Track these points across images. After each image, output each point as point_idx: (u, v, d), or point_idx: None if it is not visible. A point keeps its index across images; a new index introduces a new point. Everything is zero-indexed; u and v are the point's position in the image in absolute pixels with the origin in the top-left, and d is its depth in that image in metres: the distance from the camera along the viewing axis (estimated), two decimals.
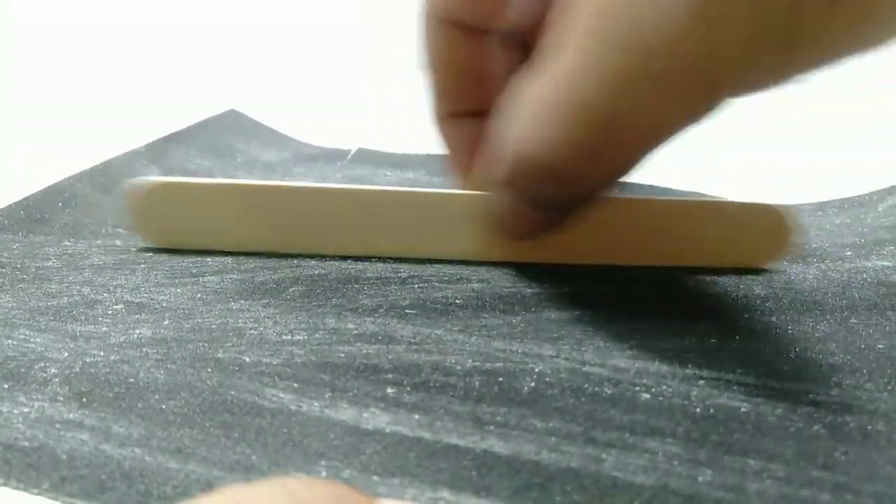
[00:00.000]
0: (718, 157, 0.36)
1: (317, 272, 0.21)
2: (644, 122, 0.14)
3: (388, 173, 0.31)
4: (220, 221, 0.21)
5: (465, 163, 0.21)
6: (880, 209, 0.28)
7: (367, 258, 0.21)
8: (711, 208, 0.21)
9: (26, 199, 0.25)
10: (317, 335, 0.18)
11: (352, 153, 0.34)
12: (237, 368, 0.16)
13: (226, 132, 0.35)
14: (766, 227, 0.21)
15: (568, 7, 0.14)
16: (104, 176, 0.27)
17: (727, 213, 0.21)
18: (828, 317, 0.19)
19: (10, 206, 0.24)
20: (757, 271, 0.22)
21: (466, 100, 0.20)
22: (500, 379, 0.16)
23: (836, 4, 0.13)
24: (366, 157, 0.33)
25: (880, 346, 0.17)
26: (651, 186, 0.30)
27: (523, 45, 0.19)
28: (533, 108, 0.15)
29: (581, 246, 0.21)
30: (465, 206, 0.21)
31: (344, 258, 0.21)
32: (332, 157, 0.34)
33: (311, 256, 0.21)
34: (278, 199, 0.21)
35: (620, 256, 0.21)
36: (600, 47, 0.13)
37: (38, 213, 0.24)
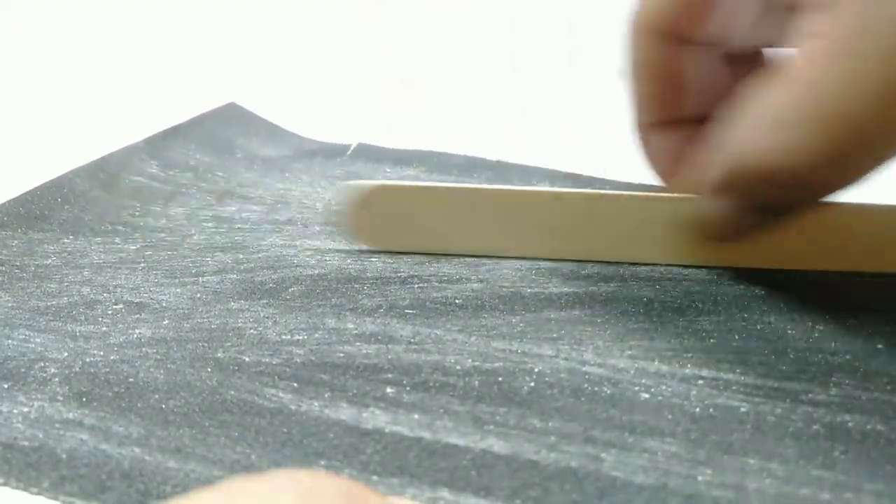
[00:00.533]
0: None
1: (316, 272, 0.21)
2: None
3: (388, 169, 0.31)
4: (434, 224, 0.21)
5: (668, 170, 0.21)
6: None
7: (555, 260, 0.21)
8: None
9: (25, 195, 0.25)
10: (316, 335, 0.18)
11: (352, 148, 0.34)
12: (237, 368, 0.16)
13: (225, 127, 0.35)
14: None
15: (813, 19, 0.14)
16: (103, 171, 0.27)
17: None
18: (826, 316, 0.19)
19: (9, 202, 0.24)
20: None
21: (671, 108, 0.21)
22: (500, 379, 0.16)
23: None
24: (366, 153, 0.33)
25: (880, 346, 0.17)
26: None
27: (732, 55, 0.20)
28: (775, 117, 0.15)
29: (781, 251, 0.21)
30: (666, 210, 0.20)
31: (517, 259, 0.21)
32: (332, 152, 0.33)
33: (513, 259, 0.21)
34: (489, 201, 0.21)
35: (820, 262, 0.21)
36: (861, 59, 0.14)
37: (36, 209, 0.24)
